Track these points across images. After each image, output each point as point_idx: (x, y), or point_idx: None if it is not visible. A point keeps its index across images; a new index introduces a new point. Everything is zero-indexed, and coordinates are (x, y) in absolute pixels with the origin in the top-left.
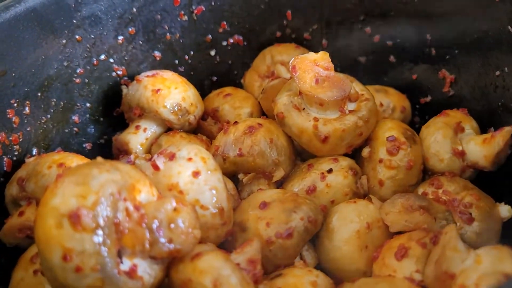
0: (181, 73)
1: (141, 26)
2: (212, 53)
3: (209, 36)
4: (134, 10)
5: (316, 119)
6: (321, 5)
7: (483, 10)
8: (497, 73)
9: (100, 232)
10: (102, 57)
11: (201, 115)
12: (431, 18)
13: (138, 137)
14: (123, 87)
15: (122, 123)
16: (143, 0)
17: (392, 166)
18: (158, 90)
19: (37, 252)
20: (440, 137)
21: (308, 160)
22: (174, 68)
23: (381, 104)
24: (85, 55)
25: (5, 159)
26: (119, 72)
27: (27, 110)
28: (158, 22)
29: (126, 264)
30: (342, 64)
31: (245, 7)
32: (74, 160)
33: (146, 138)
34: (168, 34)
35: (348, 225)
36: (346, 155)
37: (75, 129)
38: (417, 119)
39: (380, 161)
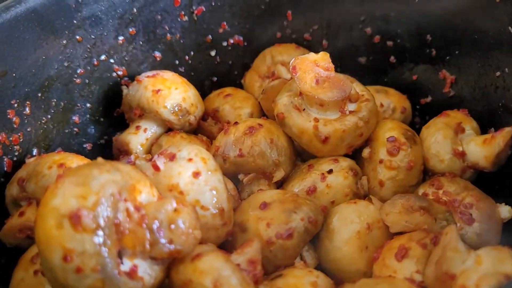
0: (181, 74)
1: (141, 27)
2: (213, 53)
3: (210, 36)
4: (135, 10)
5: (316, 120)
6: (321, 6)
7: (484, 10)
8: (498, 73)
9: (100, 232)
10: (103, 57)
11: (201, 115)
12: (431, 18)
13: (138, 137)
14: (124, 87)
15: (122, 124)
16: (143, 1)
17: (392, 167)
18: (159, 90)
19: (38, 252)
20: (440, 138)
21: (309, 161)
22: (174, 69)
23: (382, 105)
24: (86, 55)
25: (5, 159)
26: (120, 73)
27: (27, 110)
28: (158, 22)
29: (126, 265)
30: (343, 65)
31: (245, 8)
32: (75, 160)
33: (146, 139)
34: (168, 35)
35: (349, 225)
36: (346, 155)
37: (75, 129)
38: (417, 119)
39: (381, 161)
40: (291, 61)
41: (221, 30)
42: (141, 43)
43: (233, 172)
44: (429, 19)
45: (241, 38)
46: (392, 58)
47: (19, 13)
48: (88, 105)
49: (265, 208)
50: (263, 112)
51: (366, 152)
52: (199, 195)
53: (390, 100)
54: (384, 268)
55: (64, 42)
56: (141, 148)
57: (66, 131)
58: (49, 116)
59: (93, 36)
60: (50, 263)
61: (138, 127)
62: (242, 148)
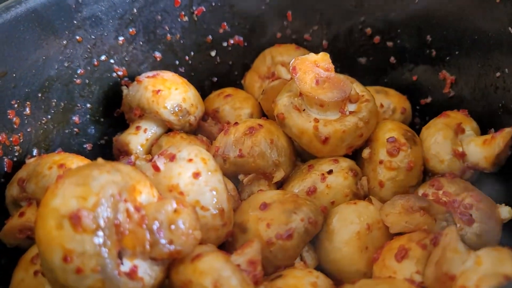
0: (181, 74)
1: (141, 27)
2: (213, 53)
3: (210, 36)
4: (135, 10)
5: (316, 120)
6: (321, 6)
7: (484, 11)
8: (498, 74)
9: (100, 233)
10: (103, 57)
11: (201, 116)
12: (431, 19)
13: (138, 137)
14: (124, 87)
15: (122, 124)
16: (143, 1)
17: (392, 167)
18: (159, 91)
19: (38, 253)
20: (440, 138)
21: (309, 161)
22: (174, 69)
23: (382, 105)
24: (86, 55)
25: (5, 159)
26: (120, 73)
27: (27, 110)
28: (158, 22)
29: (126, 265)
30: (343, 65)
31: (245, 8)
32: (75, 161)
33: (146, 139)
34: (168, 35)
35: (348, 226)
36: (346, 156)
37: (75, 129)
38: (417, 120)
39: (381, 162)
40: (291, 62)
41: (221, 31)
42: (141, 43)
43: (233, 173)
44: (429, 19)
45: (241, 39)
46: (392, 59)
47: (19, 13)
48: (88, 105)
49: (265, 209)
50: (263, 113)
51: (366, 152)
52: (199, 195)
53: (390, 100)
54: (384, 269)
55: (64, 42)
56: (141, 149)
57: (66, 131)
58: (49, 117)
59: (93, 37)
60: (50, 264)
61: (138, 128)
62: (242, 149)
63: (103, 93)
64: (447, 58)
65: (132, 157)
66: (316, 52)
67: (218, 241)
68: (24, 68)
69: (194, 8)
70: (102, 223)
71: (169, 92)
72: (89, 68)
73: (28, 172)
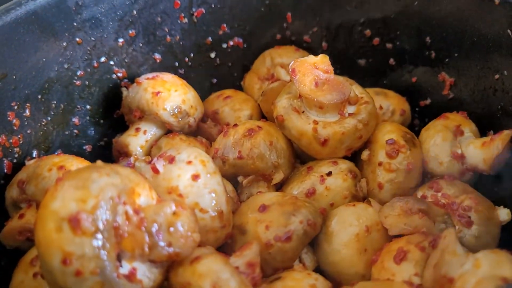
0: (181, 75)
1: (141, 29)
2: (212, 55)
3: (209, 38)
4: (135, 12)
5: (315, 122)
6: (321, 8)
7: (483, 13)
8: (497, 76)
9: (99, 236)
10: (103, 59)
11: (201, 117)
12: (430, 21)
13: (138, 139)
14: (123, 89)
15: (122, 125)
16: (143, 3)
17: (391, 169)
18: (158, 92)
19: (37, 255)
20: (439, 140)
21: (308, 163)
22: (174, 70)
23: (381, 107)
24: (86, 57)
25: (5, 161)
26: (119, 74)
27: (27, 112)
28: (158, 24)
29: (125, 268)
30: (342, 67)
31: (245, 10)
32: (74, 162)
33: (146, 140)
34: (168, 37)
35: (347, 228)
36: (345, 158)
37: (75, 131)
38: (416, 121)
39: (380, 164)
40: (291, 64)
41: (220, 32)
42: (141, 45)
43: (232, 174)
44: (428, 21)
45: (241, 40)
46: (391, 60)
47: (19, 15)
48: (88, 107)
49: (264, 211)
50: (262, 114)
51: (365, 154)
52: (198, 197)
53: (390, 102)
54: (383, 271)
55: (64, 44)
56: (141, 150)
57: (66, 133)
58: (49, 118)
59: (93, 38)
60: (50, 266)
61: (137, 129)
62: (242, 150)
63: (103, 94)
64: (447, 60)
65: (132, 159)
66: (316, 53)
67: (217, 243)
68: (24, 70)
69: (193, 9)
70: (101, 225)
71: (169, 94)
72: (89, 69)
73: (27, 174)
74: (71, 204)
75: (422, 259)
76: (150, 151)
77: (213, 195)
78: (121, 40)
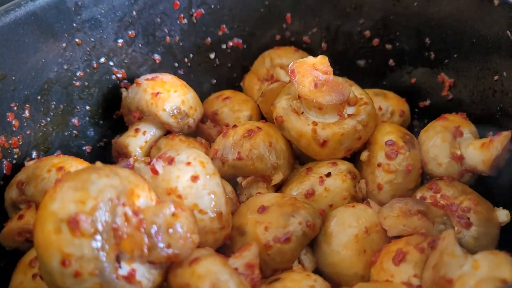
0: (180, 76)
1: (141, 29)
2: (212, 56)
3: (209, 39)
4: (134, 13)
5: (315, 123)
6: (320, 9)
7: (482, 14)
8: (496, 77)
9: (98, 237)
10: (102, 60)
11: (200, 118)
12: (430, 22)
13: (137, 140)
14: (123, 90)
15: (121, 126)
16: (143, 3)
17: (390, 170)
18: (158, 93)
19: (36, 256)
20: (439, 141)
21: (307, 164)
22: (173, 71)
23: (380, 108)
24: (85, 58)
25: (4, 162)
26: (119, 75)
27: (27, 113)
28: (157, 25)
29: (124, 269)
30: (341, 68)
31: (245, 10)
32: (74, 163)
33: (145, 141)
34: (167, 37)
35: (347, 229)
36: (344, 159)
37: (74, 132)
38: (416, 122)
39: (379, 165)
40: (290, 65)
41: (220, 33)
42: (140, 45)
43: (231, 175)
44: (427, 22)
45: (241, 41)
46: (391, 61)
47: (19, 16)
48: (88, 107)
49: (263, 212)
50: (262, 115)
51: (364, 155)
52: (197, 199)
53: (389, 103)
54: (382, 272)
55: (64, 45)
56: (140, 151)
57: (66, 133)
58: (48, 119)
59: (92, 39)
60: (49, 267)
61: (137, 130)
62: (241, 151)
63: (102, 95)
64: (446, 61)
65: (131, 160)
66: (315, 54)
67: (216, 244)
68: (24, 71)
69: (193, 10)
70: (100, 227)
71: (168, 95)
72: (88, 70)
73: (27, 175)
74: (70, 205)
75: (421, 260)
76: (150, 152)
77: (212, 196)
78: (120, 40)
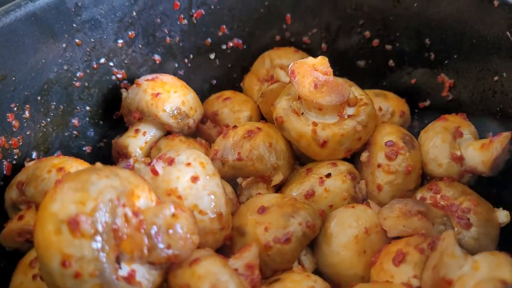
0: (180, 77)
1: (141, 30)
2: (212, 56)
3: (209, 39)
4: (134, 14)
5: (315, 124)
6: (320, 10)
7: (482, 15)
8: (496, 78)
9: (98, 238)
10: (102, 60)
11: (200, 118)
12: (430, 22)
13: (137, 140)
14: (123, 90)
15: (121, 127)
16: (143, 4)
17: (390, 171)
18: (158, 94)
19: (36, 256)
20: (438, 142)
21: (307, 165)
22: (173, 72)
23: (380, 109)
24: (85, 58)
25: (5, 163)
26: (119, 76)
27: (27, 114)
28: (158, 25)
29: (124, 270)
30: (341, 68)
31: (244, 11)
32: (74, 164)
33: (145, 142)
34: (167, 38)
35: (347, 230)
36: (344, 159)
37: (74, 132)
38: (416, 123)
39: (379, 165)
40: (290, 66)
41: (220, 33)
42: (140, 46)
43: (231, 176)
44: (427, 23)
45: (240, 41)
46: (391, 62)
47: (19, 17)
48: (88, 108)
49: (263, 212)
50: (262, 115)
51: (364, 156)
52: (197, 199)
53: (389, 104)
54: (382, 273)
55: (64, 45)
56: (140, 151)
57: (66, 134)
58: (48, 119)
59: (92, 40)
60: (49, 268)
61: (137, 130)
62: (241, 152)
63: (102, 96)
64: (446, 61)
65: (131, 160)
66: (315, 55)
67: (216, 245)
68: (24, 71)
69: (193, 11)
70: (100, 228)
71: (168, 95)
72: (88, 71)
73: (27, 176)
74: (70, 206)
75: (421, 261)
76: (150, 153)
77: (212, 197)
78: (120, 41)
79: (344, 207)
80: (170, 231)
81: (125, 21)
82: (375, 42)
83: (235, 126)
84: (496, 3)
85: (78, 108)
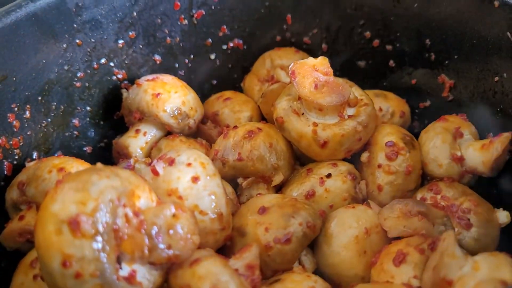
0: (181, 77)
1: (141, 30)
2: (212, 56)
3: (209, 40)
4: (135, 14)
5: (315, 124)
6: (321, 10)
7: (482, 15)
8: (496, 78)
9: (99, 238)
10: (103, 61)
11: (200, 119)
12: (430, 23)
13: (138, 140)
14: (123, 90)
15: (122, 127)
16: (143, 4)
17: (390, 171)
18: (158, 94)
19: (37, 256)
20: (439, 142)
21: (307, 165)
22: (174, 72)
23: (380, 109)
24: (86, 59)
25: (5, 163)
26: (120, 76)
27: (27, 114)
28: (158, 26)
29: (125, 270)
30: (342, 68)
31: (245, 11)
32: (74, 164)
33: (146, 142)
34: (168, 38)
35: (347, 230)
36: (345, 160)
37: (75, 132)
38: (416, 123)
39: (379, 166)
40: (290, 66)
41: (220, 34)
42: (141, 46)
43: (232, 176)
44: (428, 23)
45: (241, 42)
46: (391, 62)
47: (20, 17)
48: (88, 108)
49: (264, 213)
50: (262, 116)
51: (364, 156)
52: (198, 200)
53: (389, 104)
54: (382, 273)
55: (64, 46)
56: (141, 152)
57: (66, 134)
58: (49, 120)
59: (93, 40)
60: (50, 268)
61: (137, 131)
62: (241, 152)
63: (103, 96)
64: (446, 62)
65: (132, 160)
66: (316, 55)
67: (216, 245)
68: (24, 71)
69: (193, 11)
70: (101, 228)
71: (169, 96)
72: (89, 71)
73: (28, 176)
74: (71, 206)
75: (421, 262)
76: (150, 153)
77: (213, 197)
78: (121, 41)
79: (345, 208)
80: (171, 231)
81: (125, 22)
82: (376, 42)
83: (235, 127)
84: (496, 3)
85: (79, 108)
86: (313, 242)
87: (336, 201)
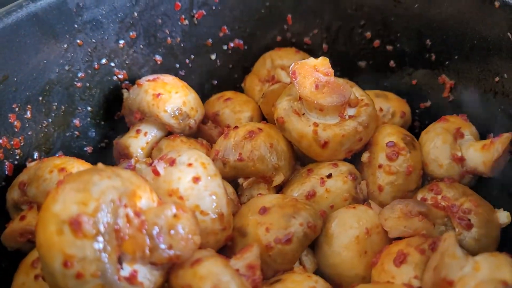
0: (181, 77)
1: (142, 30)
2: (213, 57)
3: (210, 40)
4: (135, 14)
5: (316, 124)
6: (321, 10)
7: (483, 16)
8: (497, 79)
9: (100, 238)
10: (103, 61)
11: (201, 119)
12: (431, 23)
13: (138, 141)
14: (124, 91)
15: (123, 127)
16: (144, 5)
17: (391, 172)
18: (159, 94)
19: (38, 256)
20: (439, 143)
21: (308, 165)
22: (174, 72)
23: (381, 109)
24: (86, 59)
25: (6, 163)
26: (120, 76)
27: (28, 114)
28: (159, 26)
29: (126, 270)
30: (342, 69)
31: (245, 12)
32: (75, 164)
33: (146, 142)
34: (169, 38)
35: (348, 230)
36: (345, 160)
37: (76, 132)
38: (416, 124)
39: (380, 166)
40: (291, 66)
41: (221, 34)
42: (141, 46)
43: (232, 176)
44: (428, 24)
45: (242, 42)
46: (391, 63)
47: (20, 17)
48: (89, 108)
49: (265, 213)
50: (263, 116)
51: (365, 156)
52: (198, 200)
53: (390, 104)
54: (383, 273)
55: (65, 46)
56: (141, 152)
57: (67, 134)
58: (50, 120)
59: (94, 40)
60: (51, 269)
61: (138, 131)
62: (242, 153)
63: (104, 96)
64: (447, 62)
65: (132, 161)
66: (316, 55)
67: (217, 245)
68: (25, 72)
69: (194, 11)
70: (102, 228)
71: (169, 96)
72: (89, 71)
73: (29, 176)
74: (72, 206)
75: (422, 262)
76: (151, 153)
77: (214, 197)
78: (122, 42)
79: (345, 208)
80: (172, 231)
81: (126, 22)
82: (376, 42)
83: (236, 127)
84: (497, 4)
85: (80, 108)
86: (313, 242)
87: (337, 201)
